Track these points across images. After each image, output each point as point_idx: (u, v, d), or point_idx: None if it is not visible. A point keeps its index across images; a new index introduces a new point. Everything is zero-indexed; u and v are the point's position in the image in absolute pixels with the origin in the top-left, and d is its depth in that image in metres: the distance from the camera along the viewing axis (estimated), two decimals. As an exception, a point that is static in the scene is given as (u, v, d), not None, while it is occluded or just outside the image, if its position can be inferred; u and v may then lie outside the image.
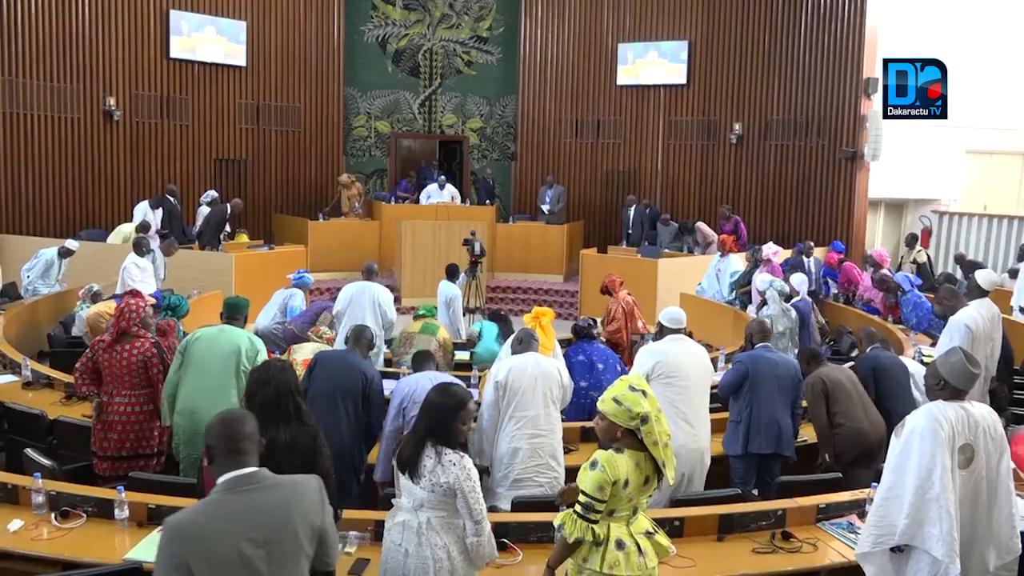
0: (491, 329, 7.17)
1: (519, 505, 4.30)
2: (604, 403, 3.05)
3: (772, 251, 9.87)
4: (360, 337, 4.99)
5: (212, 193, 12.64)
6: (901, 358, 5.87)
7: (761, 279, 8.28)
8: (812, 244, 10.43)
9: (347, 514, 3.76)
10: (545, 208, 14.31)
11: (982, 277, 5.90)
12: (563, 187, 14.74)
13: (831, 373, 5.21)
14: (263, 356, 4.80)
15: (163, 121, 13.54)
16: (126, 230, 11.37)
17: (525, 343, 4.88)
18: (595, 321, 6.52)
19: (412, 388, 4.64)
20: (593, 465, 2.99)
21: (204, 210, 12.30)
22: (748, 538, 3.98)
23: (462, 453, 3.14)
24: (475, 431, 4.67)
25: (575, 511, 3.00)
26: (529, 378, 4.60)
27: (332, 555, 2.55)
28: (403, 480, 3.18)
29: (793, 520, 4.10)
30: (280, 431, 2.97)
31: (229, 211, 11.81)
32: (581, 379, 5.79)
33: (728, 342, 8.61)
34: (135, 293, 5.59)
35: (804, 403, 5.35)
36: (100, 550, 3.63)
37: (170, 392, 4.75)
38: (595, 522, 2.98)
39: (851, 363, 6.10)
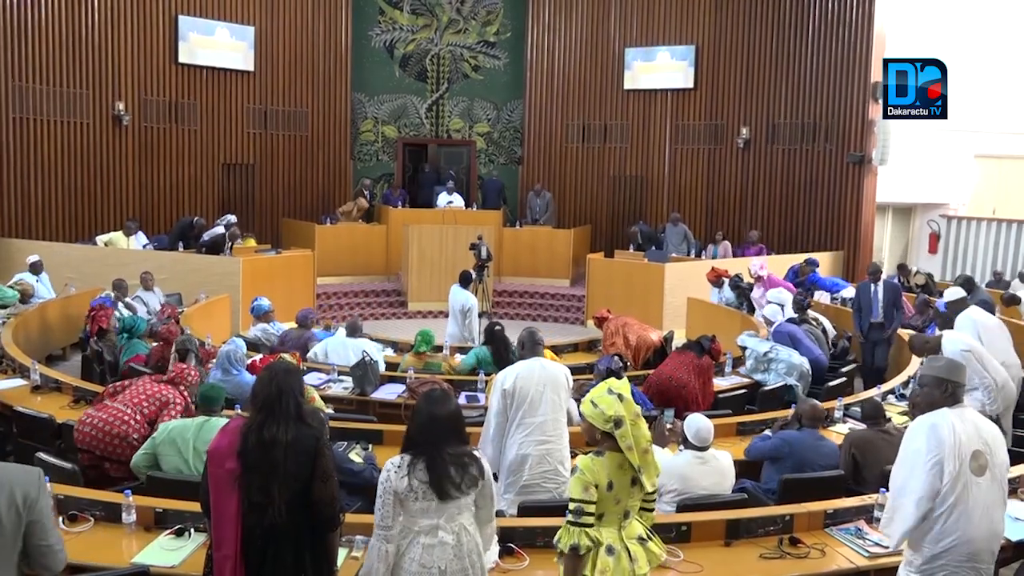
0: (486, 358, 7.08)
1: (525, 510, 4.29)
2: (584, 405, 3.09)
3: (758, 266, 9.70)
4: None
5: (230, 217, 12.53)
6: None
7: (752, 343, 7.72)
8: (880, 264, 9.87)
9: (354, 518, 3.75)
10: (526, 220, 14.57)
11: (947, 294, 6.23)
12: (551, 194, 14.90)
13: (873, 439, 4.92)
14: None
15: (172, 126, 13.60)
16: (111, 237, 11.53)
17: (529, 348, 4.77)
18: (625, 364, 6.26)
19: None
20: (573, 471, 3.01)
21: (218, 231, 12.30)
22: (756, 543, 3.96)
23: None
24: (483, 438, 4.65)
25: (567, 520, 2.99)
26: (536, 384, 4.56)
27: (49, 562, 2.65)
28: (431, 503, 2.97)
29: (801, 525, 4.08)
30: (281, 429, 2.95)
31: (227, 238, 11.61)
32: None
33: (735, 348, 8.57)
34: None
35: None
36: (107, 554, 3.64)
37: (144, 467, 4.45)
38: (589, 525, 2.95)
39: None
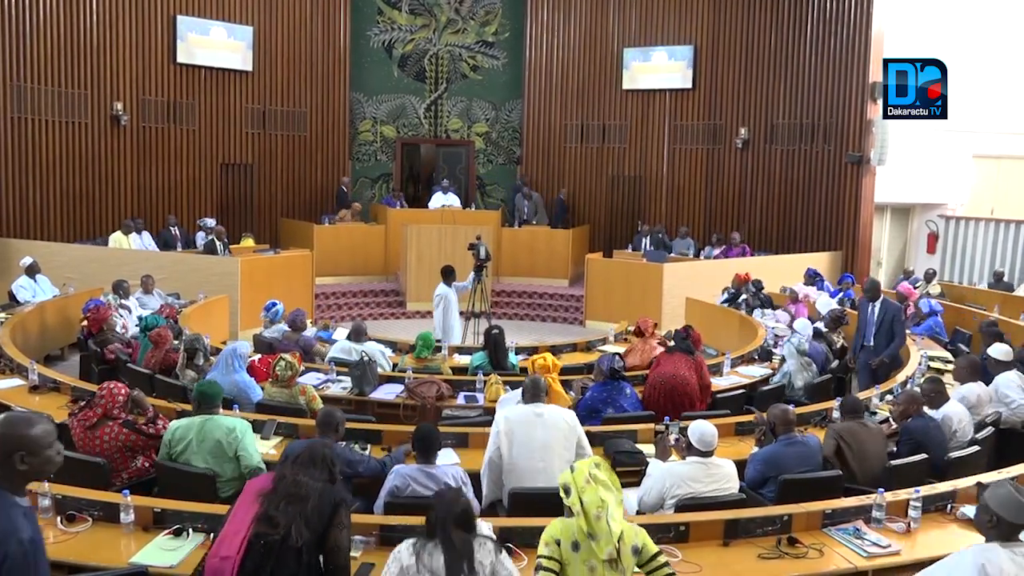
0: (483, 362, 7.07)
1: (519, 504, 4.30)
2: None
3: (803, 294, 9.59)
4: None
5: (209, 222, 12.61)
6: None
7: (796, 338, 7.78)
8: (877, 281, 9.33)
9: (354, 517, 3.75)
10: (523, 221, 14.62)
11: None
12: (539, 194, 14.97)
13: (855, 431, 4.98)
14: (246, 436, 4.54)
15: (170, 126, 13.60)
16: (117, 237, 11.61)
17: (530, 395, 4.82)
18: (623, 362, 6.26)
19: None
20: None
21: (201, 236, 12.37)
22: (754, 543, 3.96)
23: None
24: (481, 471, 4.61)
25: None
26: (527, 428, 4.57)
27: None
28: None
29: (799, 525, 4.08)
30: (306, 478, 3.11)
31: (215, 240, 11.77)
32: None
33: (733, 346, 8.59)
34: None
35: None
36: (106, 554, 3.64)
37: None
38: None
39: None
